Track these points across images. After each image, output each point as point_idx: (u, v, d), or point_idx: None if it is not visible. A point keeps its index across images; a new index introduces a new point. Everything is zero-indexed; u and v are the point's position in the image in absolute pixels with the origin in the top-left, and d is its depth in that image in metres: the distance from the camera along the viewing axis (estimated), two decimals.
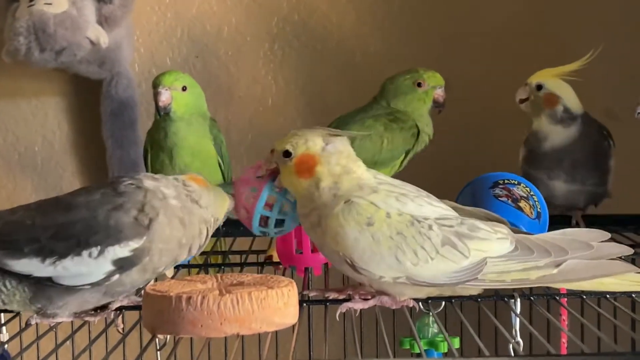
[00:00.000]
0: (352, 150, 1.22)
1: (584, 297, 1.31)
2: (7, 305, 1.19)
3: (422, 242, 1.16)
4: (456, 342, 1.42)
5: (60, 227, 1.16)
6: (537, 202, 1.45)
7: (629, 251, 1.23)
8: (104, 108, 1.99)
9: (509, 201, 1.41)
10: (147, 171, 1.77)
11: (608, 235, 1.23)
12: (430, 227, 1.17)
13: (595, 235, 1.23)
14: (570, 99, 1.72)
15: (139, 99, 1.99)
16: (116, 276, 1.17)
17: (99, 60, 1.91)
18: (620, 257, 1.22)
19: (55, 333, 1.31)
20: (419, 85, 1.72)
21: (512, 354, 1.21)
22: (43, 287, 1.17)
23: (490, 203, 1.41)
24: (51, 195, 1.98)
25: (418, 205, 1.19)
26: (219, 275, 1.20)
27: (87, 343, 1.24)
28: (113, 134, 1.99)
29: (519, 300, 1.28)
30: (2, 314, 1.32)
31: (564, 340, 1.51)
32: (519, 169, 1.78)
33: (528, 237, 1.22)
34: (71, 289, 1.17)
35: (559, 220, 1.74)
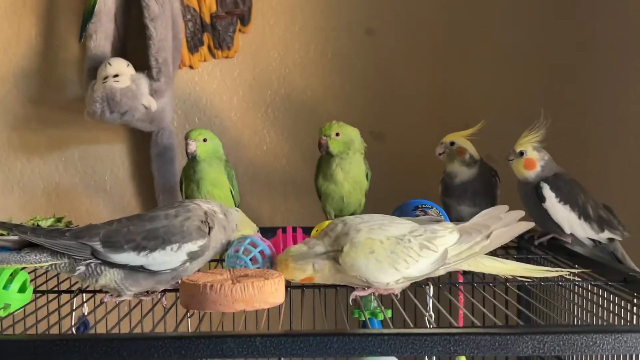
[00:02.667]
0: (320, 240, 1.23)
1: (475, 284, 1.36)
2: (97, 284, 1.22)
3: (408, 252, 1.19)
4: (389, 313, 1.43)
5: (149, 231, 1.20)
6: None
7: (522, 213, 1.27)
8: (153, 151, 2.01)
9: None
10: (182, 195, 1.81)
11: (507, 207, 1.27)
12: (409, 240, 1.19)
13: (501, 209, 1.27)
14: (472, 150, 1.77)
15: (176, 145, 2.01)
16: (187, 264, 1.22)
17: (150, 119, 1.93)
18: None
19: (118, 309, 1.34)
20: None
21: (427, 324, 1.27)
22: (134, 273, 1.21)
23: None
24: (117, 210, 2.06)
25: (395, 227, 1.21)
26: (231, 269, 1.24)
27: (140, 318, 1.27)
28: (159, 169, 2.02)
29: (432, 287, 1.33)
30: (84, 294, 1.34)
31: (460, 314, 1.54)
32: (439, 198, 1.83)
33: (465, 225, 1.25)
34: (155, 273, 1.21)
35: None
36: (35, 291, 1.29)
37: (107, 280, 1.21)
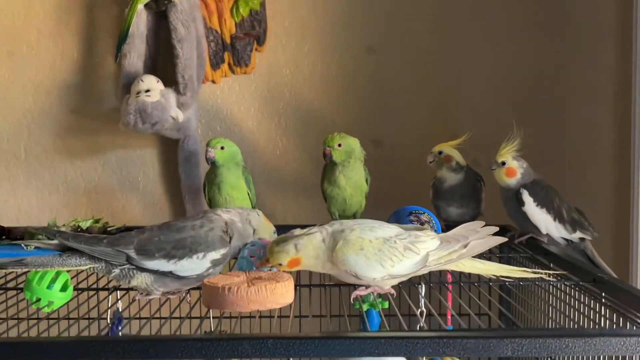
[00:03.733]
0: (313, 233, 1.21)
1: (462, 284, 1.34)
2: (130, 284, 1.22)
3: (393, 252, 1.18)
4: (386, 304, 1.42)
5: (177, 241, 1.19)
6: (434, 225, 1.47)
7: (496, 228, 1.28)
8: (180, 154, 1.99)
9: (418, 224, 1.43)
10: (205, 196, 1.79)
11: (484, 223, 1.28)
12: (395, 242, 1.19)
13: (478, 224, 1.27)
14: (458, 157, 1.75)
15: (201, 151, 1.97)
16: (211, 270, 1.21)
17: (177, 128, 1.91)
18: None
19: (150, 305, 1.33)
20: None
21: (419, 318, 1.26)
22: (162, 277, 1.20)
23: None
24: (148, 207, 2.05)
25: (383, 230, 1.21)
26: (246, 272, 1.22)
27: (169, 314, 1.27)
28: (185, 172, 2.00)
29: (423, 286, 1.32)
30: (118, 292, 1.33)
31: (449, 314, 1.51)
32: (430, 201, 1.81)
33: (446, 234, 1.25)
34: (182, 278, 1.21)
35: None
36: (75, 289, 1.28)
37: (139, 282, 1.20)
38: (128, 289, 1.30)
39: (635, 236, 1.85)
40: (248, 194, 1.75)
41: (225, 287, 1.11)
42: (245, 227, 1.28)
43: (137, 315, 1.27)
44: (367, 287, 1.25)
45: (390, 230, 1.22)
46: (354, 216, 1.79)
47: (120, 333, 1.25)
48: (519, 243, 1.65)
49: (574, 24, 2.00)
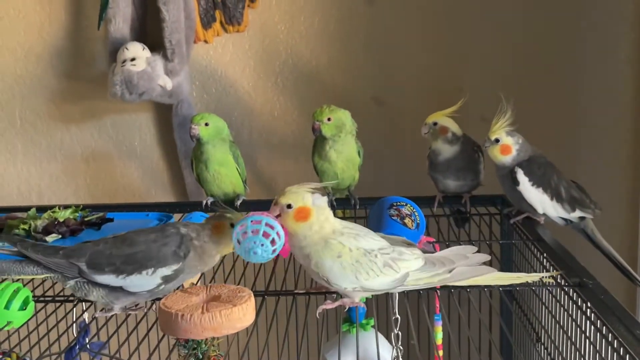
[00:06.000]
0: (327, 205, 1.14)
1: (452, 290, 1.28)
2: (88, 297, 1.19)
3: (371, 265, 1.13)
4: (363, 299, 1.35)
5: (127, 256, 1.15)
6: (417, 216, 1.39)
7: (488, 257, 1.21)
8: (174, 120, 1.94)
9: (398, 219, 1.36)
10: (193, 173, 1.74)
11: (476, 248, 1.21)
12: (375, 256, 1.13)
13: (470, 250, 1.21)
14: (454, 127, 1.64)
15: None
16: (162, 286, 1.17)
17: (169, 94, 1.86)
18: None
19: (116, 316, 1.30)
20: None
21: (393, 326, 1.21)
22: (115, 291, 1.17)
23: (386, 220, 1.36)
24: (146, 172, 2.02)
25: (367, 241, 1.14)
26: (209, 286, 1.18)
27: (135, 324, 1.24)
28: (180, 137, 1.95)
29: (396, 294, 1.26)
30: (83, 303, 1.30)
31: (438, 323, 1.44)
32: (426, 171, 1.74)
33: (433, 255, 1.19)
34: (133, 293, 1.18)
35: (455, 200, 1.73)
36: (39, 300, 1.26)
37: (95, 296, 1.18)
38: (92, 302, 1.28)
39: None
40: (237, 169, 1.70)
41: (179, 314, 1.07)
42: (203, 245, 1.20)
43: (105, 326, 1.25)
44: (334, 301, 1.19)
45: (375, 242, 1.16)
46: (348, 190, 1.73)
47: (88, 344, 1.24)
48: (515, 223, 1.58)
49: None
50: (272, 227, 1.10)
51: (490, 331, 1.64)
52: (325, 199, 1.14)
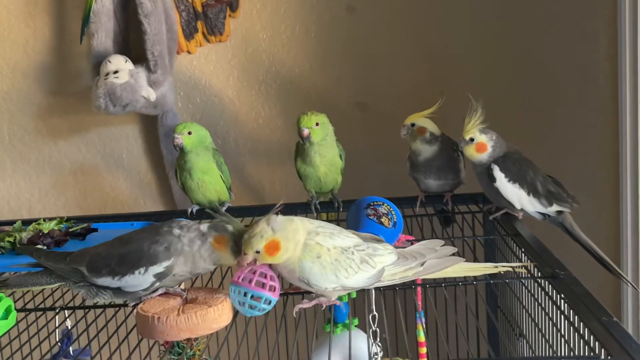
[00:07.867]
0: (291, 217, 1.15)
1: (427, 286, 1.30)
2: (93, 300, 1.21)
3: (349, 263, 1.14)
4: (345, 298, 1.36)
5: (121, 256, 1.17)
6: (394, 215, 1.39)
7: (455, 249, 1.23)
8: (160, 130, 1.97)
9: (375, 219, 1.36)
10: (178, 182, 1.76)
11: (443, 242, 1.24)
12: (352, 253, 1.15)
13: (437, 243, 1.24)
14: (432, 127, 1.67)
15: None
16: (157, 283, 1.18)
17: (153, 105, 1.88)
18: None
19: (96, 323, 1.32)
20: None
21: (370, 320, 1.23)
22: (117, 292, 1.19)
23: (363, 220, 1.37)
24: (135, 183, 2.05)
25: (342, 239, 1.16)
26: (186, 289, 1.20)
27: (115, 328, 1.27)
28: (166, 147, 1.97)
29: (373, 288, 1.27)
30: (66, 311, 1.30)
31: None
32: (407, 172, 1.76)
33: (404, 250, 1.21)
34: (132, 292, 1.19)
35: (437, 199, 1.76)
36: (21, 310, 1.28)
37: (104, 298, 1.20)
38: (74, 308, 1.29)
39: (624, 209, 1.79)
40: (221, 177, 1.72)
41: (155, 317, 1.09)
42: (194, 252, 1.20)
43: (86, 332, 1.27)
44: (311, 300, 1.21)
45: (349, 239, 1.18)
46: (331, 193, 1.75)
47: (71, 351, 1.26)
48: (494, 219, 1.60)
49: None
50: (265, 278, 1.12)
51: (477, 318, 1.65)
52: (280, 217, 1.13)
